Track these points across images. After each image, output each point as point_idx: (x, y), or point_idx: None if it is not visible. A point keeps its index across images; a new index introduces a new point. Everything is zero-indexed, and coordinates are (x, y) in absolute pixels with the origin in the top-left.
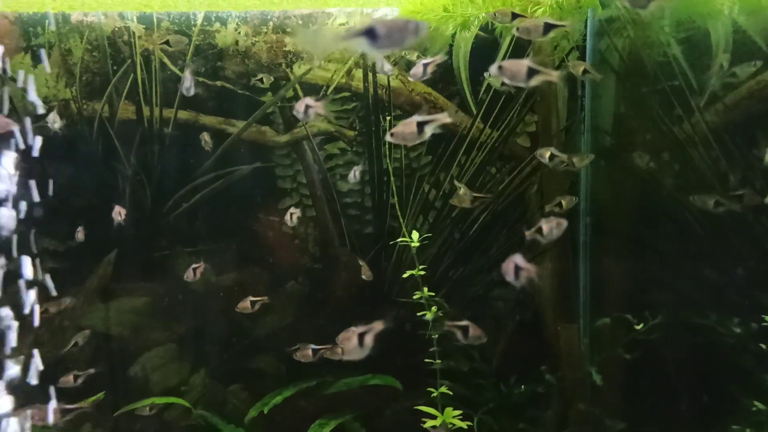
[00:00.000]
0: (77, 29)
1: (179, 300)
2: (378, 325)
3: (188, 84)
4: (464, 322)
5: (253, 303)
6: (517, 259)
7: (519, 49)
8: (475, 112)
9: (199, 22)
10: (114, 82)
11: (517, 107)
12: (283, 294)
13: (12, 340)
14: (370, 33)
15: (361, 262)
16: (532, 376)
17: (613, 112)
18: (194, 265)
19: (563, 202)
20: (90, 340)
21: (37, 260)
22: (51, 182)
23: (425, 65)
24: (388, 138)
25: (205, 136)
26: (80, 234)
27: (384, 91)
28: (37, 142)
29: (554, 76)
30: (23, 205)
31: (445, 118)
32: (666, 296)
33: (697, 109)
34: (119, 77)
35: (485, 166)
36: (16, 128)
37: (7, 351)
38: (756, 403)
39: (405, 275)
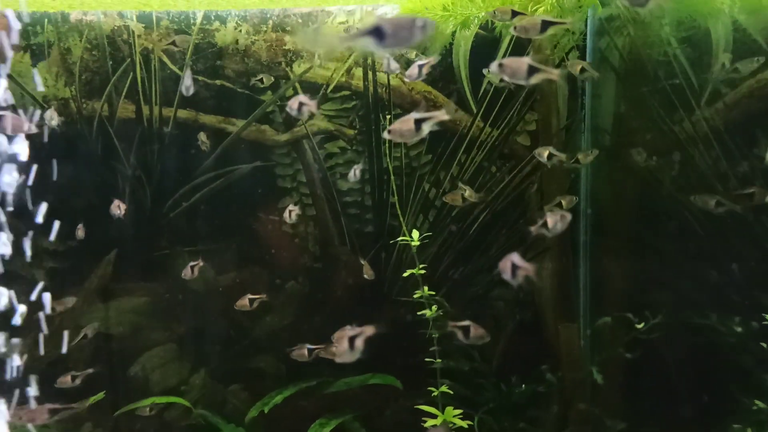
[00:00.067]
0: (76, 28)
1: (179, 300)
2: (369, 330)
3: (188, 83)
4: (467, 323)
5: (251, 301)
6: (514, 257)
7: (519, 47)
8: (475, 110)
9: (198, 20)
10: (113, 81)
11: (517, 106)
12: (283, 293)
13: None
14: (377, 32)
15: (362, 262)
16: (532, 375)
17: (613, 111)
18: (192, 263)
19: (563, 202)
20: (90, 340)
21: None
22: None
23: (420, 66)
24: (385, 135)
25: (202, 136)
26: (80, 231)
27: (384, 89)
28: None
29: (555, 74)
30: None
31: (442, 115)
32: (666, 296)
33: (697, 108)
34: (119, 76)
35: (485, 165)
36: (32, 129)
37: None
38: (757, 402)
39: (405, 274)
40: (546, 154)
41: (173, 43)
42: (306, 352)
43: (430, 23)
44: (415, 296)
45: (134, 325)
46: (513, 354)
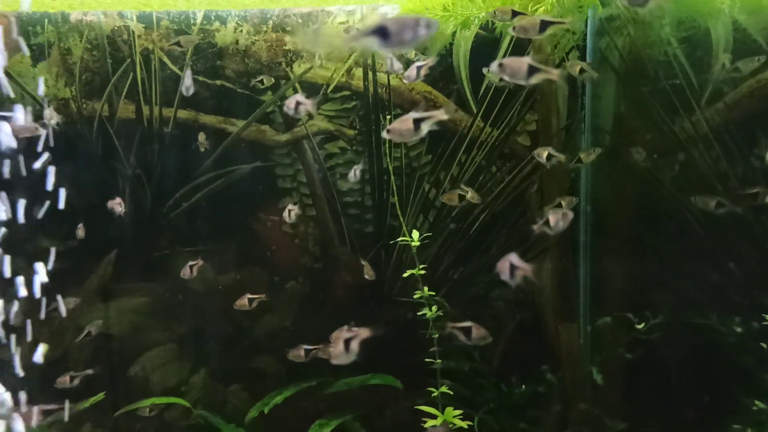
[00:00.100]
0: (77, 28)
1: (179, 300)
2: (364, 332)
3: (188, 83)
4: (468, 323)
5: (251, 300)
6: (513, 258)
7: (519, 47)
8: (475, 110)
9: (198, 20)
10: (114, 81)
11: (517, 106)
12: (283, 293)
13: None
14: (381, 31)
15: (363, 262)
16: (532, 375)
17: (613, 112)
18: (191, 262)
19: (563, 202)
20: (90, 340)
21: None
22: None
23: (419, 68)
24: (384, 134)
25: (201, 137)
26: (80, 231)
27: (384, 89)
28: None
29: (555, 74)
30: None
31: (441, 114)
32: (666, 296)
33: (697, 108)
34: (119, 76)
35: (485, 165)
36: (43, 133)
37: None
38: (757, 402)
39: (405, 274)
40: (545, 154)
41: (178, 43)
42: (303, 353)
43: (434, 23)
44: (415, 296)
45: (134, 326)
46: (513, 354)
